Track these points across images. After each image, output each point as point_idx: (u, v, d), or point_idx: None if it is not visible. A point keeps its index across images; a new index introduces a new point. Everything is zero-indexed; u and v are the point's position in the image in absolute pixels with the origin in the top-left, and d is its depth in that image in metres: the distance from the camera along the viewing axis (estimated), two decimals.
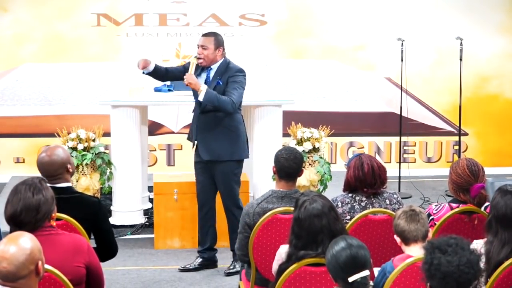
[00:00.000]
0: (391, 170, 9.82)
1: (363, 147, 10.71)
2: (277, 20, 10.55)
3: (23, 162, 10.43)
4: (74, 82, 10.38)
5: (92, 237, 5.10)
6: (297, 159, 5.43)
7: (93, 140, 8.26)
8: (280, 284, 4.37)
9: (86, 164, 8.19)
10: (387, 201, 5.40)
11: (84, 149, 8.20)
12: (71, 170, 5.20)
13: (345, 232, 4.49)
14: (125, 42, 10.39)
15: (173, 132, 10.54)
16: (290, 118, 8.83)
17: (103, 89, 9.96)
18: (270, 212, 5.23)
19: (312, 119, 9.87)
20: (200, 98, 6.71)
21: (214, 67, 6.90)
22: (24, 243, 3.53)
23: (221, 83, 6.83)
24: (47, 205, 4.26)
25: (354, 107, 10.79)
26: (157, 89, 8.39)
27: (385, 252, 5.24)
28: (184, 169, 9.35)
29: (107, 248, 5.12)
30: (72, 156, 8.00)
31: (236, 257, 7.06)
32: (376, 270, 4.53)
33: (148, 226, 8.18)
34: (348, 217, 5.31)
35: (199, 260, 7.25)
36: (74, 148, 8.21)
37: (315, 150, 8.41)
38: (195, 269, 7.19)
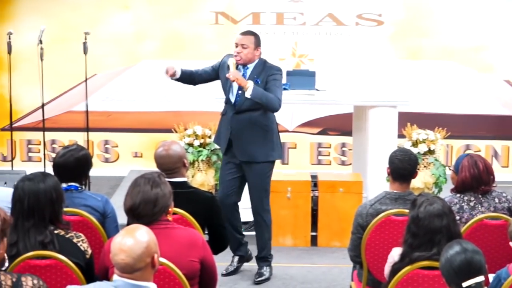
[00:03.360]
0: (510, 175, 9.62)
1: (479, 151, 10.51)
2: (394, 20, 10.46)
3: (141, 156, 10.66)
4: None
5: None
6: (412, 160, 5.37)
7: (209, 137, 8.37)
8: (392, 286, 4.35)
9: (202, 160, 8.31)
10: (496, 200, 5.35)
11: (200, 145, 8.33)
12: (187, 165, 5.31)
13: (461, 236, 4.44)
14: None
15: (287, 131, 10.58)
16: (406, 119, 8.74)
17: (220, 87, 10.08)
18: (383, 213, 5.20)
19: (428, 120, 9.74)
20: (248, 94, 6.57)
21: (251, 66, 6.79)
22: (140, 236, 3.60)
23: (259, 81, 6.70)
24: (165, 199, 4.33)
25: (471, 109, 10.60)
26: None
27: (500, 258, 5.14)
28: (298, 168, 9.39)
29: (219, 242, 5.25)
30: (188, 152, 8.15)
31: (263, 264, 7.04)
32: (491, 277, 4.45)
33: None
34: (458, 217, 5.24)
35: (236, 258, 7.15)
36: (190, 144, 8.34)
37: (430, 152, 8.31)
38: (235, 271, 7.14)
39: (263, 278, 7.01)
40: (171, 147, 5.28)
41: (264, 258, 7.06)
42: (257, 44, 6.81)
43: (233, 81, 6.64)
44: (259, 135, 6.83)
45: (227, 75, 6.68)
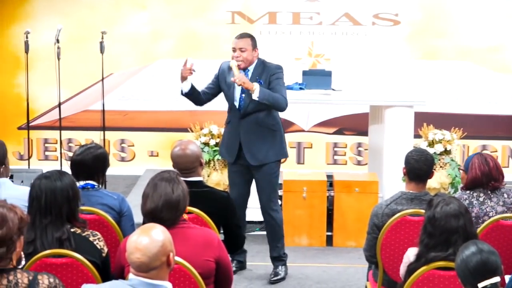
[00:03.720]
0: None
1: (496, 151, 10.48)
2: (410, 20, 10.44)
3: (157, 155, 10.68)
4: (208, 78, 10.53)
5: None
6: (428, 161, 5.37)
7: None
8: (408, 286, 4.34)
9: (218, 160, 8.32)
10: (505, 195, 5.40)
11: (216, 144, 8.34)
12: (203, 165, 5.32)
13: (478, 236, 4.44)
14: (258, 40, 10.41)
15: (303, 131, 10.58)
16: (422, 119, 8.72)
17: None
18: (399, 213, 5.19)
19: (444, 120, 9.73)
20: (255, 96, 6.54)
21: (251, 68, 6.75)
22: (156, 235, 3.61)
23: (262, 82, 6.67)
24: (185, 201, 4.35)
25: (488, 109, 10.57)
26: (288, 87, 8.41)
27: None
28: (314, 167, 9.38)
29: (235, 241, 5.27)
30: (204, 152, 8.16)
31: (278, 263, 7.03)
32: (507, 278, 4.43)
33: None
34: None
35: (234, 263, 7.05)
36: (206, 144, 8.36)
37: (446, 152, 8.29)
38: None
39: (278, 277, 7.01)
40: (188, 146, 5.29)
41: (279, 258, 7.05)
42: (254, 45, 6.78)
43: (240, 85, 6.59)
44: (268, 136, 6.82)
45: (232, 79, 6.63)
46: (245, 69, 6.74)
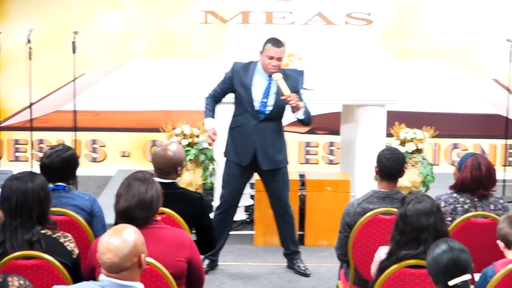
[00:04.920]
0: (497, 174, 9.62)
1: (467, 149, 10.53)
2: (384, 20, 10.48)
3: (129, 156, 10.64)
4: (181, 78, 10.54)
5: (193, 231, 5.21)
6: (399, 159, 5.39)
7: (197, 136, 8.37)
8: (379, 284, 4.36)
9: (190, 160, 8.31)
10: (492, 206, 5.33)
11: (188, 144, 8.33)
12: (180, 172, 5.32)
13: (449, 235, 4.46)
14: (232, 40, 10.49)
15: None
16: (394, 118, 8.75)
17: (209, 86, 10.09)
18: (370, 212, 5.21)
19: (416, 119, 9.77)
20: (300, 116, 6.60)
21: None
22: (128, 236, 3.60)
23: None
24: (158, 202, 4.35)
25: (460, 108, 10.63)
26: None
27: (487, 257, 5.14)
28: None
29: (207, 242, 5.26)
30: None
31: (297, 256, 7.16)
32: (477, 277, 4.46)
33: (248, 223, 8.24)
34: (450, 218, 5.25)
35: (207, 261, 7.05)
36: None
37: (418, 151, 8.33)
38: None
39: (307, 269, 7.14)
40: (175, 151, 5.25)
41: (297, 251, 7.19)
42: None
43: (294, 106, 6.50)
44: (279, 142, 6.89)
45: (283, 97, 6.51)
46: (270, 75, 6.70)
